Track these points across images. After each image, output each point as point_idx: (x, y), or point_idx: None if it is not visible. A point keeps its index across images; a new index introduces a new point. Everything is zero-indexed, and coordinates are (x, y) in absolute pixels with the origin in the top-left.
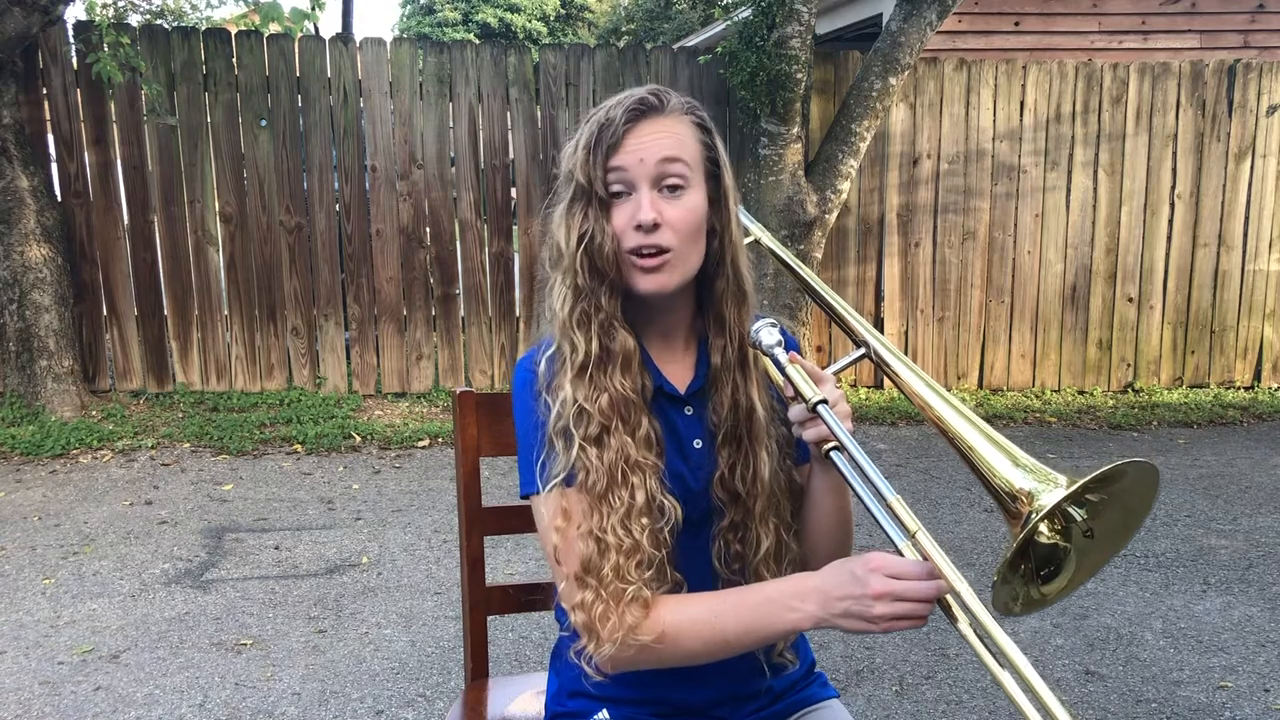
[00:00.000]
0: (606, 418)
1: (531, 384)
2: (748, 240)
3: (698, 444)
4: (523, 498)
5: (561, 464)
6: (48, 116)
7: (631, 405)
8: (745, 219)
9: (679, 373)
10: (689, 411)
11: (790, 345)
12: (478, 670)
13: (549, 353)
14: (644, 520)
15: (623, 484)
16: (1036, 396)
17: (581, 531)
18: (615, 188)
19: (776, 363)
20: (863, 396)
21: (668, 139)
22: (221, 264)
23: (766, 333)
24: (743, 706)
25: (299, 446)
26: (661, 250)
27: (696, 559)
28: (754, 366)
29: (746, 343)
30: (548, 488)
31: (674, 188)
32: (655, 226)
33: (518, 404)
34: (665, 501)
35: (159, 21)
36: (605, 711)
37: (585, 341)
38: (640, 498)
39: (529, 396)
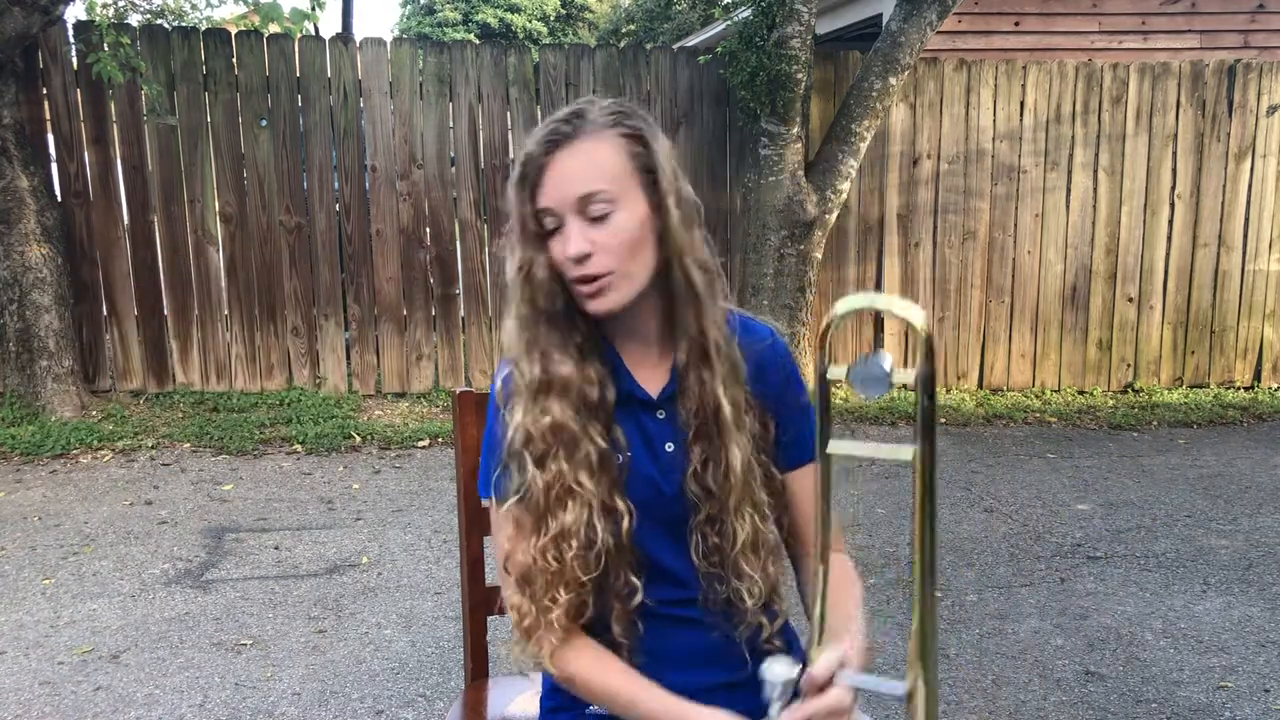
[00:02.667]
0: (547, 442)
1: (497, 396)
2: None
3: (670, 447)
4: (483, 500)
5: (516, 482)
6: (48, 116)
7: (570, 433)
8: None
9: (654, 377)
10: (661, 415)
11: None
12: (478, 670)
13: (506, 372)
14: (573, 543)
15: (557, 507)
16: (1036, 396)
17: (524, 546)
18: (547, 222)
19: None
20: (863, 396)
21: (584, 170)
22: (221, 264)
23: (771, 675)
24: (735, 693)
25: (299, 446)
26: (598, 276)
27: (675, 554)
28: (718, 362)
29: (715, 347)
30: (504, 505)
31: (599, 216)
32: (586, 257)
33: (490, 409)
34: (596, 531)
35: (159, 21)
36: (595, 705)
37: (530, 368)
38: (569, 522)
39: (493, 407)
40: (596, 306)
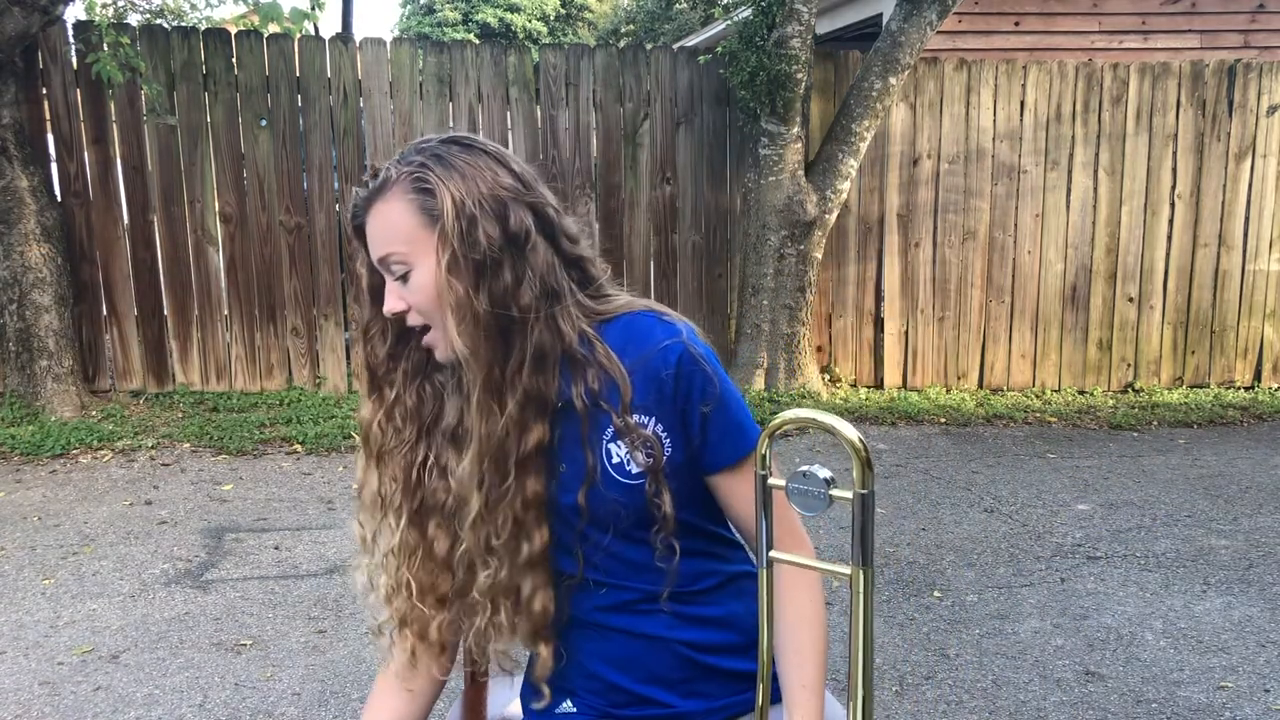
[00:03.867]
0: (375, 468)
1: None
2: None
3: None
4: None
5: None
6: (47, 116)
7: (391, 450)
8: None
9: None
10: None
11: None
12: (477, 670)
13: None
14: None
15: (382, 525)
16: (1036, 396)
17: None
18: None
19: None
20: (863, 396)
21: (380, 233)
22: (221, 264)
23: None
24: (674, 690)
25: (299, 446)
26: (423, 329)
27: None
28: (486, 421)
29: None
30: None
31: (401, 275)
32: (401, 314)
33: None
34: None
35: (159, 21)
36: (569, 702)
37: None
38: (399, 538)
39: None
40: (436, 356)
